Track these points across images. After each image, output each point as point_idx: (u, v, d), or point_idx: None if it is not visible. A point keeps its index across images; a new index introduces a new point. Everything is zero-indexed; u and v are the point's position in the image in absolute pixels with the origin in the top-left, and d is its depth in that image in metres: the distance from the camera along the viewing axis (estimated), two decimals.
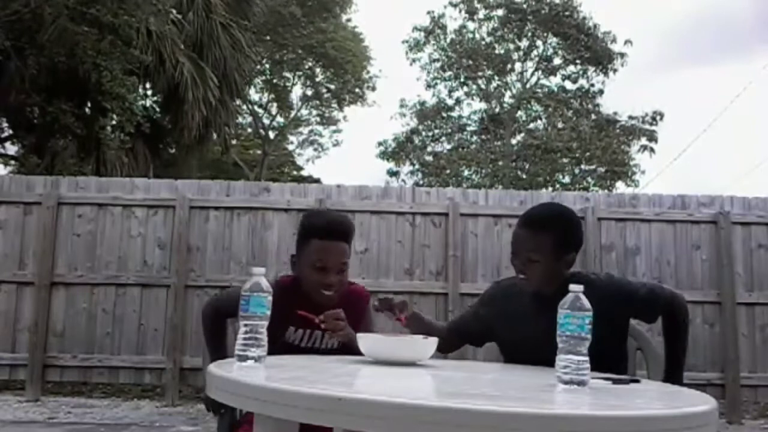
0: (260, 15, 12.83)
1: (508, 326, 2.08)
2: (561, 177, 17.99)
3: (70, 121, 8.59)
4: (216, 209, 6.22)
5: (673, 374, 1.98)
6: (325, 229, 1.94)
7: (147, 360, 5.97)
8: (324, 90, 20.68)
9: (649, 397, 1.42)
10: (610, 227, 6.19)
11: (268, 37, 17.73)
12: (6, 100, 8.70)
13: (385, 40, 38.01)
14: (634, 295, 2.02)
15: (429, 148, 19.67)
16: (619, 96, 34.53)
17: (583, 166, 17.75)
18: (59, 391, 6.32)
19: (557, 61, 18.94)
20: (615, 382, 1.47)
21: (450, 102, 19.64)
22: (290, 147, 23.07)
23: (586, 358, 1.33)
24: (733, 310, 6.00)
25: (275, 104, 21.17)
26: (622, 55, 17.86)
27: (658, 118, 17.40)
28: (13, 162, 11.58)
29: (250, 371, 1.41)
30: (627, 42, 17.81)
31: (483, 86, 19.39)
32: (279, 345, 1.85)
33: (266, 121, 21.21)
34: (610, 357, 1.91)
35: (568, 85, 18.82)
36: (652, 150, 17.31)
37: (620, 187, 17.23)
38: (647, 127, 17.39)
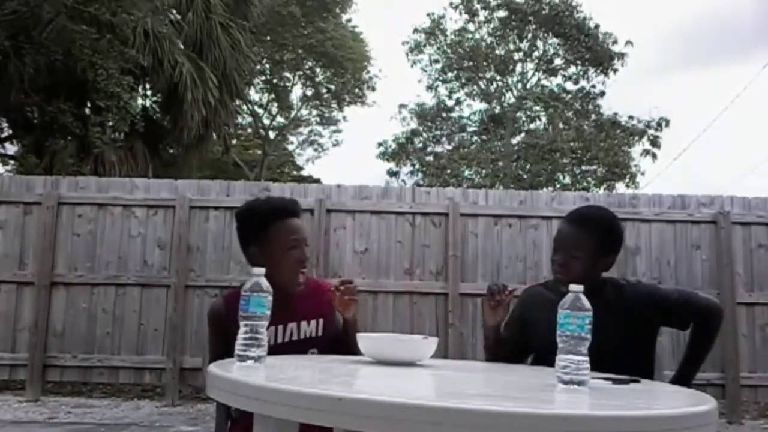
0: (260, 15, 12.81)
1: (539, 332, 2.05)
2: (561, 177, 18.00)
3: (68, 121, 8.59)
4: (216, 209, 6.22)
5: (685, 376, 1.98)
6: (285, 210, 2.01)
7: (147, 360, 5.97)
8: (324, 90, 20.68)
9: (649, 397, 1.42)
10: None
11: (268, 37, 17.72)
12: (5, 99, 8.70)
13: (386, 41, 38.04)
14: (665, 301, 2.02)
15: (429, 149, 19.69)
16: (620, 97, 34.63)
17: (583, 167, 17.76)
18: (59, 391, 6.32)
19: (558, 61, 18.95)
20: (615, 382, 1.46)
21: (450, 103, 19.67)
22: (290, 147, 23.10)
23: (586, 358, 1.32)
24: (733, 310, 5.99)
25: (275, 104, 21.16)
26: (622, 55, 17.88)
27: (663, 124, 17.41)
28: (12, 162, 11.58)
29: (250, 371, 1.41)
30: (628, 43, 17.85)
31: (484, 87, 19.40)
32: None
33: (266, 121, 21.21)
34: (638, 361, 1.94)
35: (569, 85, 18.85)
36: (654, 155, 17.33)
37: (620, 188, 17.26)
38: (651, 131, 17.38)
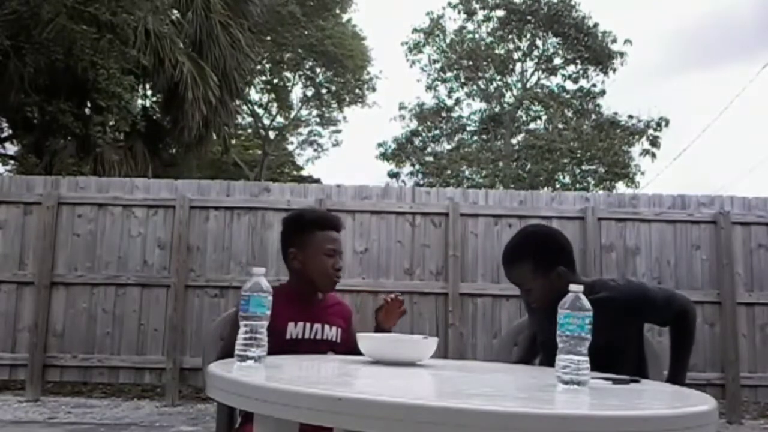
0: (260, 14, 12.80)
1: (538, 329, 2.22)
2: (561, 177, 18.00)
3: (68, 121, 8.59)
4: (216, 209, 6.22)
5: (677, 375, 2.01)
6: (327, 221, 2.18)
7: (147, 360, 5.97)
8: (324, 90, 20.66)
9: (649, 397, 1.42)
10: (610, 227, 6.19)
11: (268, 37, 17.70)
12: (5, 99, 8.69)
13: (385, 41, 38.05)
14: (652, 301, 2.05)
15: (429, 149, 19.69)
16: (620, 97, 34.69)
17: (583, 167, 17.76)
18: (59, 391, 6.32)
19: (557, 60, 18.94)
20: (615, 382, 1.46)
21: (450, 102, 19.66)
22: (290, 147, 23.08)
23: (586, 358, 1.32)
24: (733, 310, 6.00)
25: (275, 104, 21.15)
26: (622, 54, 17.88)
27: (663, 123, 17.40)
28: (12, 162, 11.58)
29: (250, 371, 1.41)
30: (627, 41, 17.85)
31: (483, 86, 19.39)
32: (281, 345, 1.88)
33: (266, 121, 21.20)
34: (632, 359, 2.02)
35: (569, 85, 18.86)
36: (653, 155, 17.33)
37: (620, 187, 17.26)
38: (651, 131, 17.38)
